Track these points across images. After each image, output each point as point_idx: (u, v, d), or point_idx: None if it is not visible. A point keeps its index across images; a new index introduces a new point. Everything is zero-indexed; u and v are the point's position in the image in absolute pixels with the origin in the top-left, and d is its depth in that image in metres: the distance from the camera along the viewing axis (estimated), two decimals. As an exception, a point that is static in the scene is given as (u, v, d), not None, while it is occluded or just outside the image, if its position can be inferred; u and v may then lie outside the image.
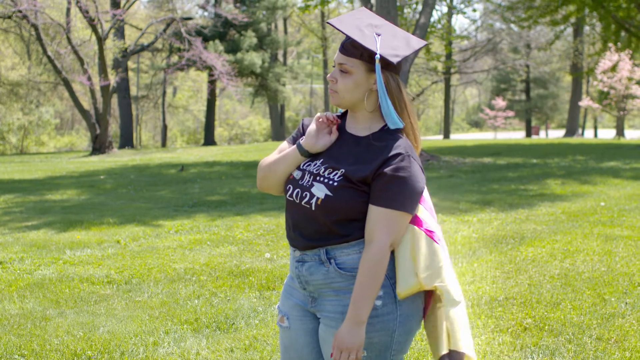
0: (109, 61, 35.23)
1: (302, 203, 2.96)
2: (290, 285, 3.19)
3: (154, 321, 6.13)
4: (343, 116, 3.14)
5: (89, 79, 32.93)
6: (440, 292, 2.94)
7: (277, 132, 53.92)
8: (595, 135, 58.38)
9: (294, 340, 3.18)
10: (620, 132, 46.90)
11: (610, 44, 37.08)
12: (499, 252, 8.55)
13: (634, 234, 9.37)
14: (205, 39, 42.31)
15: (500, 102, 56.61)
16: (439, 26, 40.37)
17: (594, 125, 62.66)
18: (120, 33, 41.83)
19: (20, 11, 30.89)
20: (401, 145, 2.88)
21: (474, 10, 45.46)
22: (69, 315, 6.37)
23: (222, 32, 44.96)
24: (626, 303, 6.32)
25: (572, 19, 38.94)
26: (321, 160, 3.02)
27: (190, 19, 43.18)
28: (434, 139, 48.77)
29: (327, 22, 3.00)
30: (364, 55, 2.90)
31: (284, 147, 3.16)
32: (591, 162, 20.55)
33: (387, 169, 2.83)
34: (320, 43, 53.17)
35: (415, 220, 2.95)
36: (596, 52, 41.39)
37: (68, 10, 33.82)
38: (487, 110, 59.10)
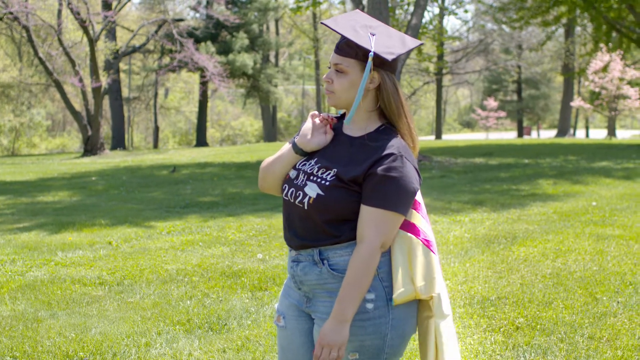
0: (100, 63, 35.18)
1: (296, 202, 2.97)
2: (289, 285, 3.20)
3: (146, 322, 6.12)
4: (341, 118, 3.15)
5: (81, 80, 32.88)
6: (431, 303, 2.95)
7: (269, 133, 53.91)
8: (587, 135, 58.50)
9: (290, 341, 3.18)
10: (611, 132, 47.05)
11: (602, 45, 37.14)
12: (491, 252, 8.56)
13: (626, 234, 9.40)
14: (197, 41, 42.31)
15: (492, 103, 56.69)
16: (431, 27, 40.33)
17: (585, 125, 62.79)
18: (111, 35, 41.77)
19: (11, 13, 30.83)
20: (394, 145, 2.87)
21: (466, 11, 45.43)
22: (60, 316, 6.35)
23: (214, 33, 44.95)
24: (618, 302, 6.34)
25: (564, 20, 38.99)
26: (315, 159, 3.02)
27: (181, 20, 43.16)
28: (426, 140, 48.78)
29: (322, 23, 2.99)
30: (359, 54, 2.90)
31: (286, 148, 3.17)
32: (583, 162, 20.60)
33: (379, 169, 2.83)
34: (312, 44, 53.18)
35: (413, 229, 2.96)
36: (587, 53, 41.45)
37: (59, 11, 33.78)
38: (478, 111, 59.18)
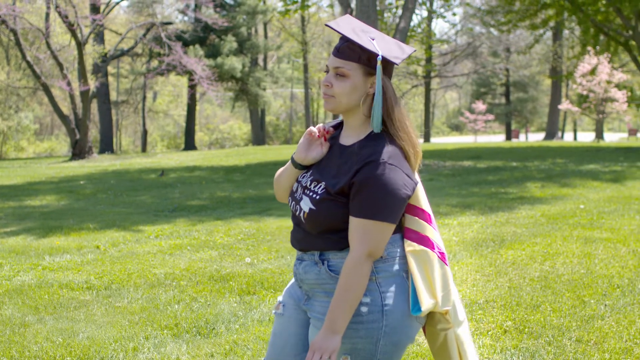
0: (88, 66, 35.02)
1: (297, 214, 3.03)
2: (293, 282, 3.25)
3: (134, 327, 6.11)
4: (337, 127, 3.14)
5: (69, 84, 32.77)
6: (448, 317, 3.01)
7: (258, 136, 53.85)
8: (575, 138, 58.61)
9: (284, 327, 3.21)
10: (599, 135, 47.17)
11: (589, 48, 37.25)
12: (479, 255, 8.57)
13: (613, 236, 9.42)
14: (185, 44, 42.27)
15: (480, 106, 56.77)
16: (419, 30, 40.42)
17: (573, 128, 62.91)
18: (99, 38, 41.70)
19: (-1, 16, 30.73)
20: (377, 152, 2.85)
21: (454, 15, 45.49)
22: (48, 321, 6.33)
23: (202, 36, 44.92)
24: (605, 305, 6.35)
25: (552, 23, 39.08)
26: (310, 172, 3.06)
27: (170, 23, 43.14)
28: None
29: (326, 25, 2.96)
30: (362, 58, 2.89)
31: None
32: (571, 165, 20.65)
33: (358, 178, 2.83)
34: (301, 47, 53.12)
35: (428, 243, 2.98)
36: (575, 56, 41.55)
37: (47, 15, 33.68)
38: (467, 114, 59.22)
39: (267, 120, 63.82)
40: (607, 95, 38.08)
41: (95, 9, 37.14)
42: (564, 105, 42.32)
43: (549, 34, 52.19)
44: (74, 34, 32.61)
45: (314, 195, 2.93)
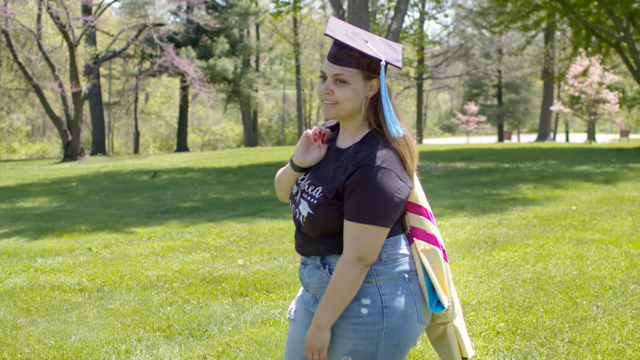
0: (80, 67, 34.94)
1: (297, 218, 3.05)
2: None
3: (126, 329, 6.10)
4: (334, 129, 3.15)
5: (61, 85, 32.70)
6: (447, 312, 3.08)
7: (250, 138, 53.85)
8: (567, 139, 58.73)
9: (295, 332, 3.22)
10: (591, 136, 47.31)
11: (581, 49, 37.35)
12: (471, 256, 8.57)
13: (605, 238, 9.43)
14: (178, 45, 42.26)
15: (472, 107, 56.91)
16: (411, 32, 40.50)
17: (565, 129, 63.06)
18: (91, 39, 41.62)
19: (-10, 17, 30.66)
20: (371, 156, 2.84)
21: (446, 16, 45.66)
22: (40, 323, 6.31)
23: (194, 38, 44.92)
24: (597, 306, 6.36)
25: (543, 25, 39.18)
26: (307, 176, 3.07)
27: (162, 25, 43.09)
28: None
29: (325, 34, 2.90)
30: (362, 63, 2.87)
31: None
32: (563, 167, 20.68)
33: (351, 181, 2.83)
34: (293, 49, 53.13)
35: (433, 240, 3.01)
36: (567, 57, 41.65)
37: (39, 16, 33.61)
38: (459, 115, 59.36)
39: (259, 121, 63.80)
40: (599, 96, 38.23)
41: (87, 10, 37.09)
42: (556, 106, 42.47)
43: (541, 35, 52.28)
44: (65, 36, 32.54)
45: (312, 200, 2.94)
